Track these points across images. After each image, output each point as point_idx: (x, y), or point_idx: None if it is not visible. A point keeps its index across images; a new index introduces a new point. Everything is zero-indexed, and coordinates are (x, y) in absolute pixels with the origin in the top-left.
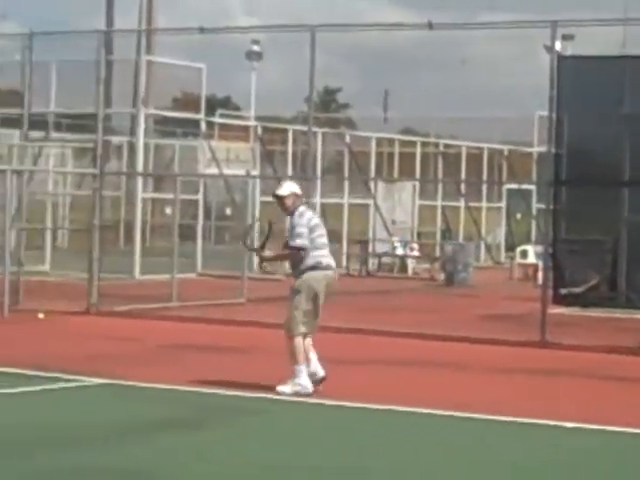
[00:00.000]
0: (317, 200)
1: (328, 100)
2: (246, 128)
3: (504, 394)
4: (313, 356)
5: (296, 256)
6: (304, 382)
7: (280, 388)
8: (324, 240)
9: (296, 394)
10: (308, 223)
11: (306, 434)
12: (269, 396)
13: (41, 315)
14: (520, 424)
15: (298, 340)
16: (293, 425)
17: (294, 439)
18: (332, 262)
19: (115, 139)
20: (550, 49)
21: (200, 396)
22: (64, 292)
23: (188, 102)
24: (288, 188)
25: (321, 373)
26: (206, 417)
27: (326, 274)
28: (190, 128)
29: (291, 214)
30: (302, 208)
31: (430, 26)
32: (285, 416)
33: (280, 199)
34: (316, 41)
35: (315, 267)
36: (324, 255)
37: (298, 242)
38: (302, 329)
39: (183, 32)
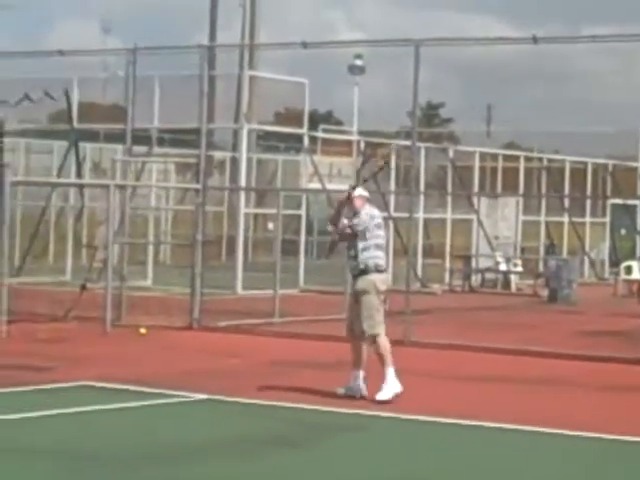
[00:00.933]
0: (420, 215)
1: (431, 115)
2: (349, 143)
3: (611, 411)
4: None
5: (349, 238)
6: (395, 381)
7: (379, 397)
8: (383, 242)
9: (395, 396)
10: (371, 219)
11: (405, 450)
12: (368, 412)
13: (143, 330)
14: (626, 442)
15: (384, 339)
16: (391, 441)
17: (392, 455)
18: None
19: (218, 154)
20: None
21: (300, 412)
22: (166, 307)
23: (290, 117)
24: (358, 191)
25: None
26: (306, 434)
27: (387, 278)
28: (292, 143)
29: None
30: (367, 206)
31: (535, 40)
32: (383, 432)
33: (351, 199)
34: (420, 55)
35: (378, 269)
36: (382, 257)
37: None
38: (383, 328)
39: (286, 47)
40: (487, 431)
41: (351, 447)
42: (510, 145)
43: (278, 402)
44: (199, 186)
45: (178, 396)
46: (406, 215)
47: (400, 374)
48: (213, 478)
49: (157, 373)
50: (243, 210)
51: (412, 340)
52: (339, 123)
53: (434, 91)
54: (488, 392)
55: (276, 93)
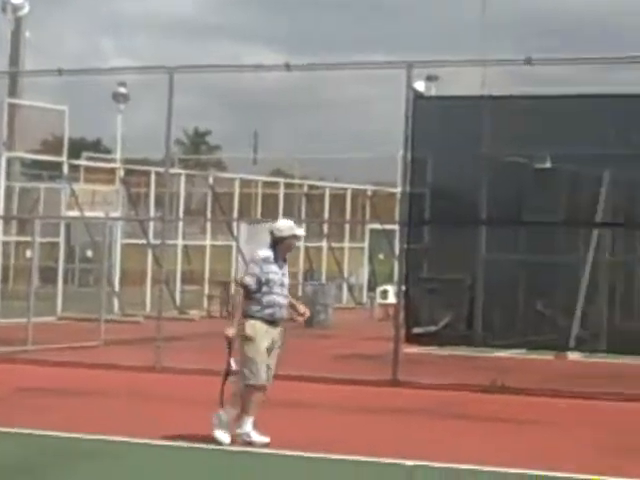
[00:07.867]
0: (179, 242)
1: (198, 142)
2: (112, 170)
3: (348, 433)
4: None
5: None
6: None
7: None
8: None
9: None
10: None
11: (144, 476)
12: (111, 438)
13: None
14: (359, 462)
15: None
16: (130, 467)
17: None
18: None
19: None
20: (409, 89)
21: (47, 440)
22: None
23: (57, 145)
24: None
25: None
26: (47, 461)
27: None
28: (57, 171)
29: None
30: None
31: (288, 67)
32: (125, 458)
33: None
34: (180, 83)
35: None
36: None
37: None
38: None
39: (42, 74)
40: (228, 455)
41: (89, 472)
42: (277, 172)
43: (23, 429)
44: None
45: None
46: (166, 242)
47: (149, 400)
48: None
49: None
50: (1, 238)
51: (164, 366)
52: (107, 151)
53: (202, 118)
54: None
55: (39, 121)
